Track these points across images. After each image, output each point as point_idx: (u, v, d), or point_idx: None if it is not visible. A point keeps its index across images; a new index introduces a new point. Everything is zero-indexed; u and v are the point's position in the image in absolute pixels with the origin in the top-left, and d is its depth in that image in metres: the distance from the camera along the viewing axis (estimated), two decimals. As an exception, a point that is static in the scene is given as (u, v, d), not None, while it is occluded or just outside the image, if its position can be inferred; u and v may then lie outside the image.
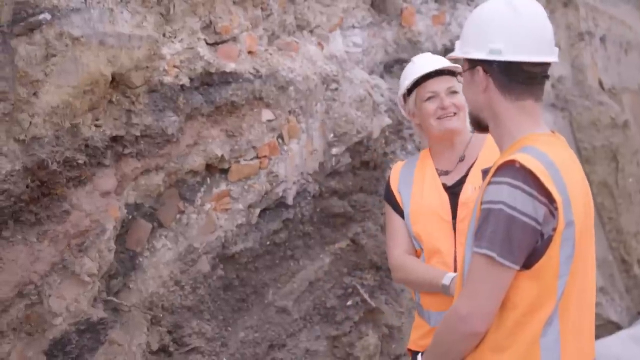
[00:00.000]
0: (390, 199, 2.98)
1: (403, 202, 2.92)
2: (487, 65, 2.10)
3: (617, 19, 7.82)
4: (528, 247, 1.98)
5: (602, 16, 7.51)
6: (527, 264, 2.00)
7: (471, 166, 2.88)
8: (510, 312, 2.02)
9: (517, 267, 1.98)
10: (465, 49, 2.16)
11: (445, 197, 2.86)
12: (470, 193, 2.82)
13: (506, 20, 2.09)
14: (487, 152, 2.89)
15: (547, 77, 2.15)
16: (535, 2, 2.15)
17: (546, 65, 2.13)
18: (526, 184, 1.97)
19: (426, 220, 2.85)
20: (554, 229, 1.98)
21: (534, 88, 2.12)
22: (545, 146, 2.06)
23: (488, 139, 2.89)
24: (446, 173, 2.92)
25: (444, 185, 2.89)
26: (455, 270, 2.76)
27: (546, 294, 2.01)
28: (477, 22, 2.15)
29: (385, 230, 3.06)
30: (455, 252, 2.80)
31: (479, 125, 2.23)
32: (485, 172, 2.17)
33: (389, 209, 2.99)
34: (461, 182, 2.87)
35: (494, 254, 1.97)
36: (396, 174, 3.01)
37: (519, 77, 2.09)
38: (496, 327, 2.04)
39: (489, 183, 2.03)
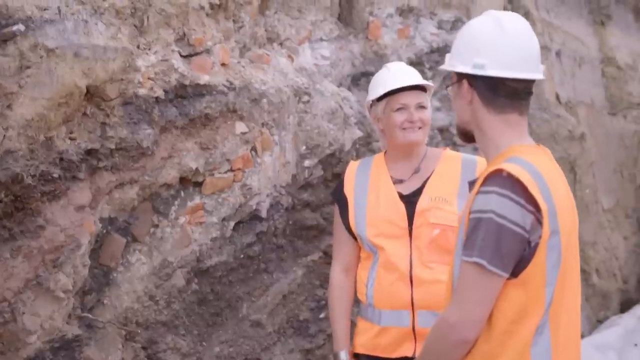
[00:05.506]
0: (340, 199, 3.09)
1: (356, 209, 3.02)
2: (472, 79, 2.14)
3: (571, 34, 8.01)
4: (516, 255, 2.00)
5: (556, 31, 7.68)
6: (515, 272, 2.02)
7: (427, 179, 3.02)
8: (498, 321, 2.04)
9: (507, 275, 2.01)
10: (452, 62, 2.20)
11: (401, 205, 2.99)
12: (426, 204, 2.96)
13: (491, 36, 2.12)
14: (442, 167, 3.05)
15: (531, 93, 2.17)
16: (522, 19, 2.18)
17: (530, 82, 2.15)
18: (514, 192, 2.00)
19: (383, 227, 2.97)
20: (540, 237, 2.01)
21: (517, 103, 2.14)
22: (530, 156, 2.09)
23: (443, 154, 3.09)
24: (400, 182, 3.04)
25: (400, 194, 3.01)
26: (411, 276, 2.90)
27: (534, 302, 2.03)
28: (465, 37, 2.19)
29: (333, 235, 3.21)
30: (410, 256, 2.92)
31: (466, 136, 2.26)
32: (471, 184, 2.20)
33: (336, 214, 3.11)
34: (418, 192, 3.00)
35: (484, 262, 1.99)
36: (351, 177, 3.11)
37: (503, 92, 2.12)
38: (485, 336, 2.06)
39: (478, 193, 2.05)
